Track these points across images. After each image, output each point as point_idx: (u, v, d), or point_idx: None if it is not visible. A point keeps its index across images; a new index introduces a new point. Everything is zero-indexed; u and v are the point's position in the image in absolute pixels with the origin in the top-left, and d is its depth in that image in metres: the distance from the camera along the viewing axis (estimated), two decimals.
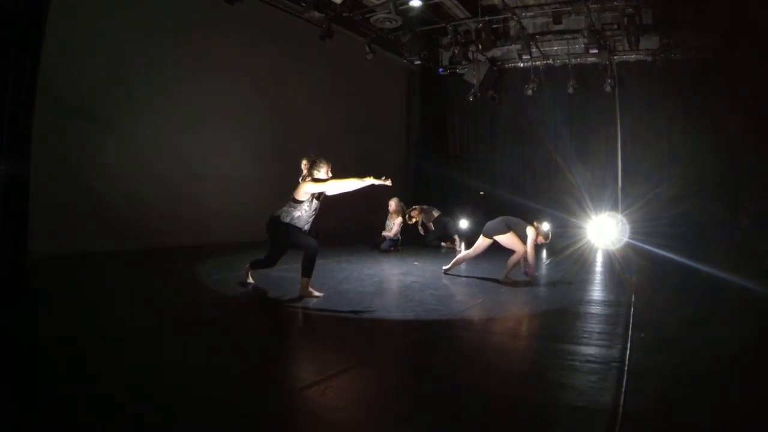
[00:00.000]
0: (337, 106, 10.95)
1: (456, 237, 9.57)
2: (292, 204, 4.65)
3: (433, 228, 9.55)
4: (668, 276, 6.75)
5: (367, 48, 11.03)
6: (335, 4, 8.83)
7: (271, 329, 3.99)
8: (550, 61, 12.37)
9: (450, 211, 10.07)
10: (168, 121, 7.94)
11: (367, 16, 9.96)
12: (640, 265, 7.34)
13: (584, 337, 3.53)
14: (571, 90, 11.86)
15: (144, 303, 4.46)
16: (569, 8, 10.61)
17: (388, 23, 9.67)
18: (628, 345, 3.31)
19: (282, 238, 4.71)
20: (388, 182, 4.76)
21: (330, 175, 4.73)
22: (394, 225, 8.86)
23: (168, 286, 5.36)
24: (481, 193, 13.59)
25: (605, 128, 12.26)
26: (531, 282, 5.87)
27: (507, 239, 5.93)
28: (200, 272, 5.89)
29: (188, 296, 4.83)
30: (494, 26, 11.34)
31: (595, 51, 10.93)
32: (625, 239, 9.57)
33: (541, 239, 6.12)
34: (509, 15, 10.70)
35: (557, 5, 10.71)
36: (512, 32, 12.08)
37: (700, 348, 3.40)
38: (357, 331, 3.78)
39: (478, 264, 7.42)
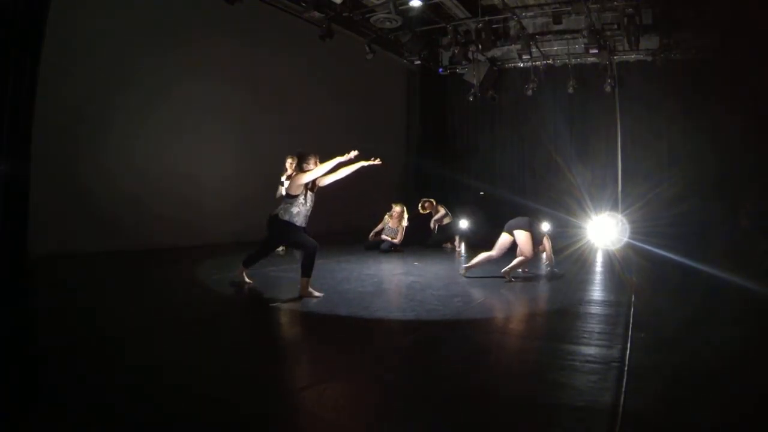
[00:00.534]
0: (337, 106, 10.94)
1: (457, 237, 9.57)
2: (288, 200, 4.67)
3: (438, 229, 9.51)
4: (668, 276, 6.74)
5: (367, 48, 11.02)
6: (335, 4, 8.82)
7: (270, 329, 3.98)
8: (550, 61, 12.37)
9: (450, 211, 10.06)
10: (168, 122, 7.94)
11: (367, 16, 9.96)
12: (640, 265, 7.34)
13: (584, 337, 3.53)
14: (571, 90, 11.86)
15: (143, 303, 4.46)
16: (569, 8, 10.61)
17: (388, 23, 9.67)
18: (628, 345, 3.31)
19: (283, 236, 4.72)
20: (377, 161, 4.84)
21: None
22: (398, 231, 8.79)
23: (167, 286, 5.36)
24: (481, 193, 13.58)
25: (605, 128, 12.25)
26: (531, 279, 5.88)
27: (524, 238, 6.00)
28: (200, 272, 5.89)
29: (188, 296, 4.83)
30: (494, 26, 11.34)
31: (595, 51, 10.93)
32: (625, 239, 9.56)
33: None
34: (509, 15, 10.70)
35: (557, 5, 10.70)
36: (512, 32, 12.08)
37: (700, 348, 3.40)
38: (357, 331, 3.78)
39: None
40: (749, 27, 7.40)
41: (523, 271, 6.24)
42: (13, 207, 5.38)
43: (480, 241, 10.12)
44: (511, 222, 6.22)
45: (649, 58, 11.41)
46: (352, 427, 2.21)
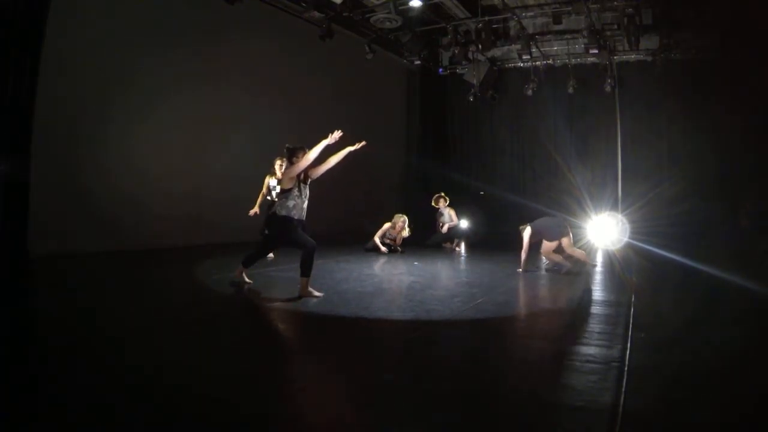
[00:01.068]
0: (337, 106, 10.94)
1: (457, 238, 9.56)
2: (283, 196, 4.68)
3: (444, 231, 9.45)
4: (668, 276, 6.74)
5: (367, 48, 11.03)
6: (335, 4, 8.83)
7: (270, 329, 3.99)
8: (550, 61, 12.37)
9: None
10: (168, 122, 7.94)
11: (367, 16, 9.96)
12: (640, 265, 7.34)
13: (584, 337, 3.53)
14: (571, 90, 11.86)
15: (143, 303, 4.46)
16: (569, 8, 10.61)
17: (388, 23, 9.68)
18: (628, 345, 3.31)
19: (282, 233, 4.72)
20: (363, 143, 4.95)
21: None
22: (398, 238, 8.71)
23: (167, 286, 5.36)
24: (481, 193, 13.58)
25: (605, 128, 12.26)
26: (532, 279, 5.89)
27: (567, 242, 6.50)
28: (200, 272, 5.89)
29: (187, 296, 4.83)
30: (494, 26, 11.34)
31: (595, 51, 10.94)
32: (625, 239, 9.55)
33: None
34: (509, 15, 10.71)
35: (557, 5, 10.70)
36: (512, 32, 12.09)
37: (700, 348, 3.40)
38: (356, 331, 3.78)
39: (478, 264, 7.43)
40: (749, 27, 7.40)
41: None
42: (13, 207, 5.40)
43: (480, 241, 10.15)
44: (555, 230, 6.59)
45: (649, 58, 11.41)
46: (351, 427, 2.21)
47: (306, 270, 4.59)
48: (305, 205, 4.76)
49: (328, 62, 10.58)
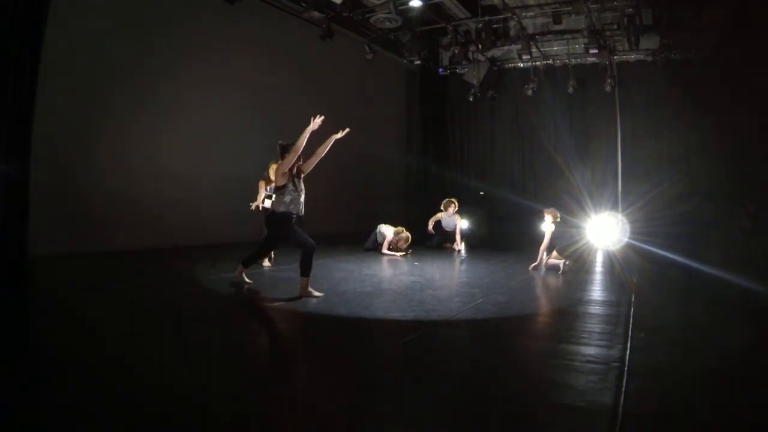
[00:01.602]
0: (337, 106, 10.91)
1: (458, 238, 9.52)
2: (278, 193, 4.69)
3: (439, 229, 9.39)
4: (668, 276, 6.74)
5: (367, 48, 11.02)
6: (335, 4, 8.83)
7: (270, 329, 3.99)
8: (550, 61, 12.37)
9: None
10: (168, 122, 7.95)
11: (367, 16, 9.96)
12: (640, 266, 7.34)
13: (584, 337, 3.52)
14: (571, 90, 11.86)
15: (142, 303, 4.46)
16: (569, 8, 10.61)
17: (388, 23, 9.67)
18: (628, 345, 3.31)
19: (282, 231, 4.72)
20: (347, 129, 4.97)
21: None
22: (399, 247, 8.65)
23: (167, 286, 5.35)
24: (481, 193, 13.58)
25: (605, 128, 12.26)
26: (532, 279, 5.88)
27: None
28: (199, 272, 5.89)
29: (187, 296, 4.83)
30: (494, 26, 11.33)
31: (595, 51, 10.93)
32: (626, 239, 9.55)
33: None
34: (509, 15, 10.71)
35: (557, 5, 10.70)
36: (512, 32, 12.10)
37: (700, 348, 3.40)
38: (356, 332, 3.78)
39: (478, 264, 7.43)
40: (749, 27, 7.40)
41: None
42: (13, 207, 5.38)
43: (480, 241, 10.14)
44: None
45: (649, 58, 11.41)
46: (351, 427, 2.21)
47: (305, 270, 4.59)
48: (302, 198, 4.78)
49: (328, 62, 10.58)
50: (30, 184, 5.56)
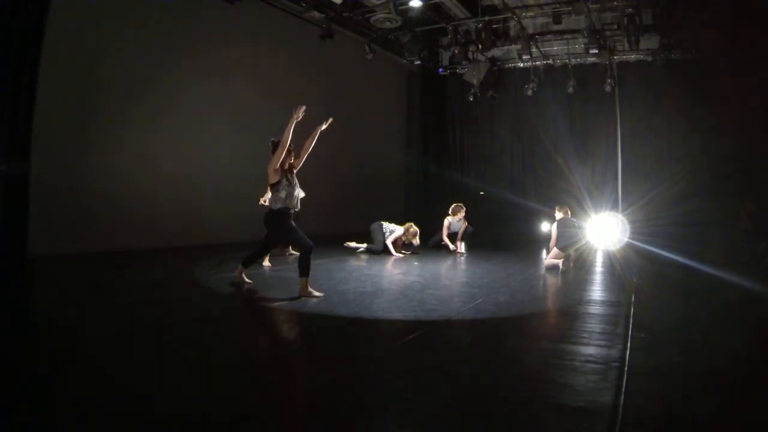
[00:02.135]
0: (337, 106, 10.91)
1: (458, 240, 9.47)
2: (273, 190, 4.71)
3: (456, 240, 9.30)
4: (668, 276, 6.74)
5: (367, 48, 11.03)
6: (335, 4, 8.83)
7: (270, 329, 3.98)
8: (550, 61, 12.37)
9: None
10: (168, 121, 7.95)
11: (367, 16, 9.96)
12: (640, 265, 7.34)
13: (584, 337, 3.52)
14: (571, 90, 11.86)
15: (142, 303, 4.45)
16: (569, 8, 10.61)
17: (388, 23, 9.67)
18: (628, 345, 3.31)
19: (281, 228, 4.72)
20: (330, 119, 4.95)
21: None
22: (408, 243, 8.64)
23: (167, 286, 5.35)
24: (481, 193, 13.59)
25: (605, 128, 12.26)
26: (532, 279, 5.89)
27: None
28: (199, 272, 5.89)
29: (187, 297, 4.82)
30: (494, 26, 11.34)
31: (595, 51, 10.93)
32: (626, 239, 9.56)
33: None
34: (509, 15, 10.71)
35: (557, 5, 10.70)
36: (512, 32, 12.11)
37: (700, 348, 3.40)
38: (356, 332, 3.78)
39: (478, 264, 7.43)
40: (750, 26, 7.40)
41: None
42: (13, 207, 5.38)
43: (480, 241, 10.14)
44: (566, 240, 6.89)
45: (649, 58, 11.41)
46: (351, 427, 2.21)
47: (304, 270, 4.59)
48: (296, 192, 4.80)
49: (328, 62, 10.58)
50: (30, 184, 5.57)
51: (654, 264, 7.49)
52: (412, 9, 9.67)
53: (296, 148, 4.85)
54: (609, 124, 12.14)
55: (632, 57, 11.67)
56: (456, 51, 11.97)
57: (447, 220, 8.95)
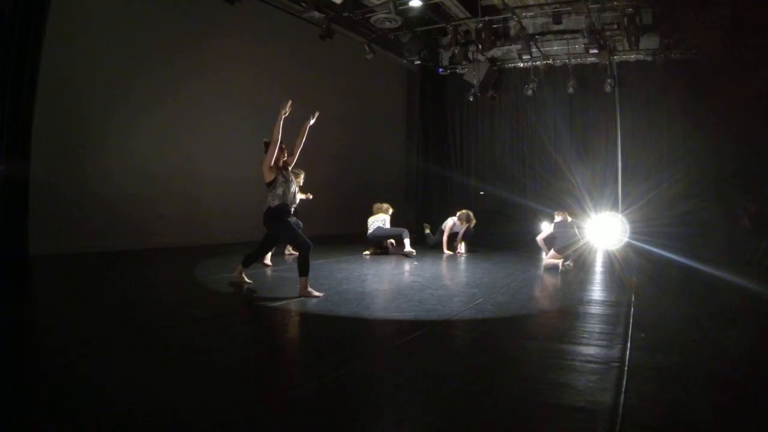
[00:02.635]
0: (337, 106, 10.94)
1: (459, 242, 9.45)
2: (270, 188, 4.73)
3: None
4: (668, 276, 6.74)
5: (367, 48, 11.02)
6: (335, 4, 8.83)
7: (269, 329, 3.98)
8: (550, 61, 12.37)
9: (451, 212, 10.01)
10: (168, 122, 7.95)
11: (367, 16, 9.96)
12: (640, 265, 7.34)
13: (584, 337, 3.52)
14: (571, 90, 11.86)
15: (141, 303, 4.46)
16: (569, 8, 10.62)
17: (388, 23, 9.67)
18: (628, 345, 3.31)
19: (279, 225, 4.72)
20: (317, 113, 4.98)
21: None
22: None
23: (167, 286, 5.36)
24: (481, 193, 13.58)
25: (605, 128, 12.26)
26: (532, 279, 5.88)
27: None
28: (199, 272, 5.89)
29: (186, 296, 4.83)
30: (494, 26, 11.33)
31: (595, 51, 10.93)
32: (626, 239, 9.56)
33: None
34: (509, 15, 10.71)
35: (557, 5, 10.71)
36: (512, 32, 12.10)
37: (700, 348, 3.40)
38: (356, 332, 3.78)
39: (478, 264, 7.43)
40: (750, 26, 7.40)
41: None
42: (13, 207, 5.39)
43: (480, 241, 10.14)
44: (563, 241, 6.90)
45: (649, 58, 11.41)
46: (351, 428, 2.21)
47: (303, 270, 4.59)
48: (293, 188, 4.82)
49: (328, 62, 10.58)
50: (30, 184, 5.57)
51: (654, 264, 7.49)
52: (412, 9, 9.67)
53: (287, 146, 4.89)
54: (609, 124, 12.13)
55: (632, 57, 11.67)
56: (456, 51, 11.97)
57: (451, 221, 8.85)
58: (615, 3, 10.09)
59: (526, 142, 13.40)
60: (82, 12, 6.73)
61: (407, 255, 7.88)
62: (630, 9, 9.93)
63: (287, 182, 4.74)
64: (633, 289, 5.39)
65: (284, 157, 4.83)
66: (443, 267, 7.23)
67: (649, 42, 11.04)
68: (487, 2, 10.80)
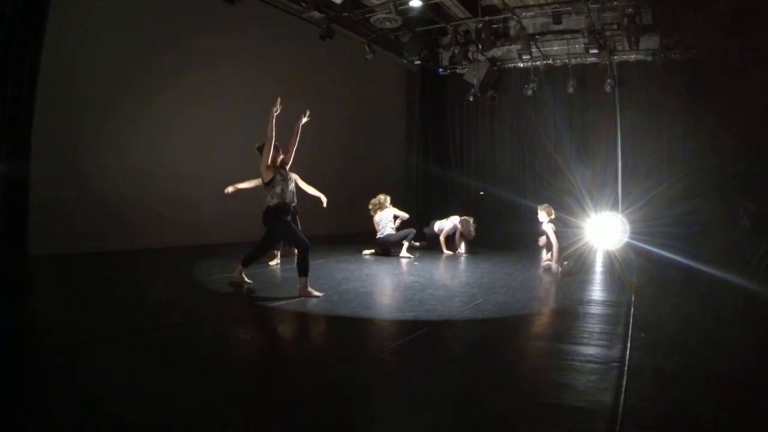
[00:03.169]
0: (336, 106, 10.95)
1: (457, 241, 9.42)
2: (269, 187, 4.74)
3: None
4: (668, 276, 6.74)
5: (367, 48, 11.02)
6: (335, 4, 8.83)
7: (269, 329, 3.98)
8: (550, 61, 12.37)
9: (450, 212, 10.00)
10: (168, 122, 7.94)
11: (367, 16, 9.96)
12: (640, 265, 7.34)
13: (584, 337, 3.52)
14: (571, 90, 11.86)
15: (141, 303, 4.46)
16: (569, 8, 10.62)
17: (388, 23, 9.67)
18: (628, 345, 3.31)
19: (279, 224, 4.72)
20: (308, 111, 5.06)
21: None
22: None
23: (166, 286, 5.36)
24: (481, 193, 13.58)
25: (605, 128, 12.25)
26: (531, 279, 5.89)
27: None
28: (199, 272, 5.89)
29: (187, 297, 4.83)
30: (494, 26, 11.34)
31: (595, 51, 10.93)
32: (626, 239, 9.56)
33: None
34: (509, 15, 10.70)
35: (557, 5, 10.71)
36: (512, 32, 12.10)
37: (700, 348, 3.40)
38: (356, 332, 3.78)
39: (478, 264, 7.43)
40: (750, 26, 7.40)
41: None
42: (13, 207, 5.38)
43: (480, 241, 10.14)
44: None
45: (649, 58, 11.41)
46: (351, 428, 2.21)
47: (303, 270, 4.59)
48: (291, 187, 4.84)
49: (328, 62, 10.58)
50: (30, 184, 5.56)
51: (654, 264, 7.48)
52: (412, 9, 9.67)
53: (282, 145, 4.91)
54: (609, 124, 12.13)
55: (632, 57, 11.67)
56: (456, 51, 11.97)
57: (451, 224, 8.70)
58: (615, 3, 10.09)
59: (526, 142, 13.40)
60: (82, 12, 6.72)
61: (408, 256, 7.87)
62: (630, 9, 9.94)
63: (285, 180, 4.76)
64: (633, 289, 5.39)
65: (280, 155, 4.84)
66: (443, 267, 7.23)
67: (649, 42, 11.04)
68: (487, 2, 10.79)
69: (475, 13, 10.67)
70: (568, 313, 4.40)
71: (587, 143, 12.56)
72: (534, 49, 11.55)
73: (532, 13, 11.23)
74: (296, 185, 5.31)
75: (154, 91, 7.67)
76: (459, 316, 4.13)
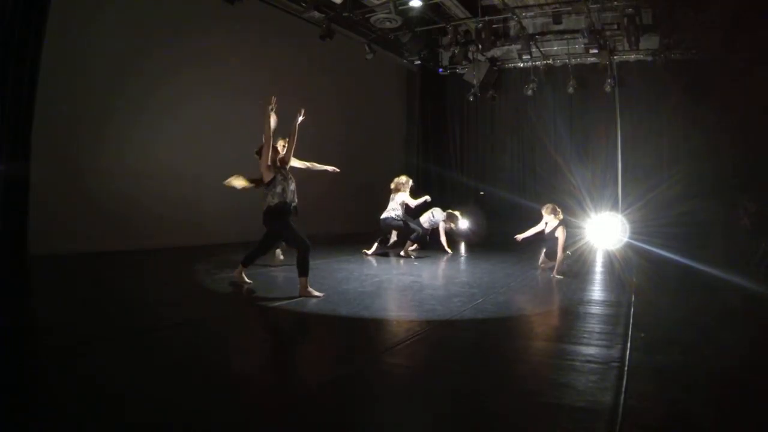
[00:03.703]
0: (336, 106, 10.94)
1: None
2: (269, 187, 4.74)
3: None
4: (668, 276, 6.74)
5: (367, 48, 11.02)
6: (335, 4, 8.83)
7: (269, 329, 3.98)
8: (550, 61, 12.36)
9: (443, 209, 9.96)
10: (167, 122, 7.94)
11: (367, 16, 9.96)
12: (640, 265, 7.34)
13: (584, 337, 3.52)
14: (571, 90, 11.86)
15: (141, 303, 4.45)
16: (569, 8, 10.61)
17: (388, 23, 9.67)
18: (628, 345, 3.31)
19: (279, 223, 4.72)
20: (302, 110, 5.08)
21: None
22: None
23: (166, 286, 5.36)
24: (481, 193, 13.58)
25: (605, 128, 12.24)
26: (531, 279, 5.88)
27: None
28: (199, 272, 5.89)
29: (187, 297, 4.82)
30: (494, 26, 11.34)
31: (595, 51, 10.93)
32: (626, 239, 9.56)
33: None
34: (509, 15, 10.70)
35: (557, 5, 10.70)
36: (512, 32, 12.10)
37: (700, 348, 3.40)
38: (356, 332, 3.78)
39: (478, 264, 7.43)
40: (751, 26, 7.40)
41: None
42: (13, 207, 5.38)
43: (479, 241, 10.15)
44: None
45: (649, 58, 11.41)
46: (351, 428, 2.21)
47: (303, 270, 4.59)
48: (292, 186, 4.83)
49: (328, 62, 10.58)
50: (30, 184, 5.57)
51: (654, 264, 7.49)
52: (412, 9, 9.67)
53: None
54: (609, 124, 12.12)
55: (632, 57, 11.66)
56: (456, 51, 11.97)
57: (439, 218, 8.44)
58: (615, 3, 10.08)
59: (526, 142, 13.39)
60: (82, 12, 6.72)
61: (407, 256, 7.86)
62: (630, 9, 9.93)
63: (285, 180, 4.76)
64: (633, 289, 5.39)
65: (278, 154, 4.84)
66: (443, 267, 7.24)
67: (649, 42, 11.03)
68: (487, 2, 10.79)
69: (475, 13, 10.67)
70: (568, 313, 4.41)
71: (587, 143, 12.56)
72: (534, 49, 11.54)
73: (532, 13, 11.22)
74: (307, 171, 5.22)
75: (154, 90, 7.67)
76: (459, 316, 4.13)
